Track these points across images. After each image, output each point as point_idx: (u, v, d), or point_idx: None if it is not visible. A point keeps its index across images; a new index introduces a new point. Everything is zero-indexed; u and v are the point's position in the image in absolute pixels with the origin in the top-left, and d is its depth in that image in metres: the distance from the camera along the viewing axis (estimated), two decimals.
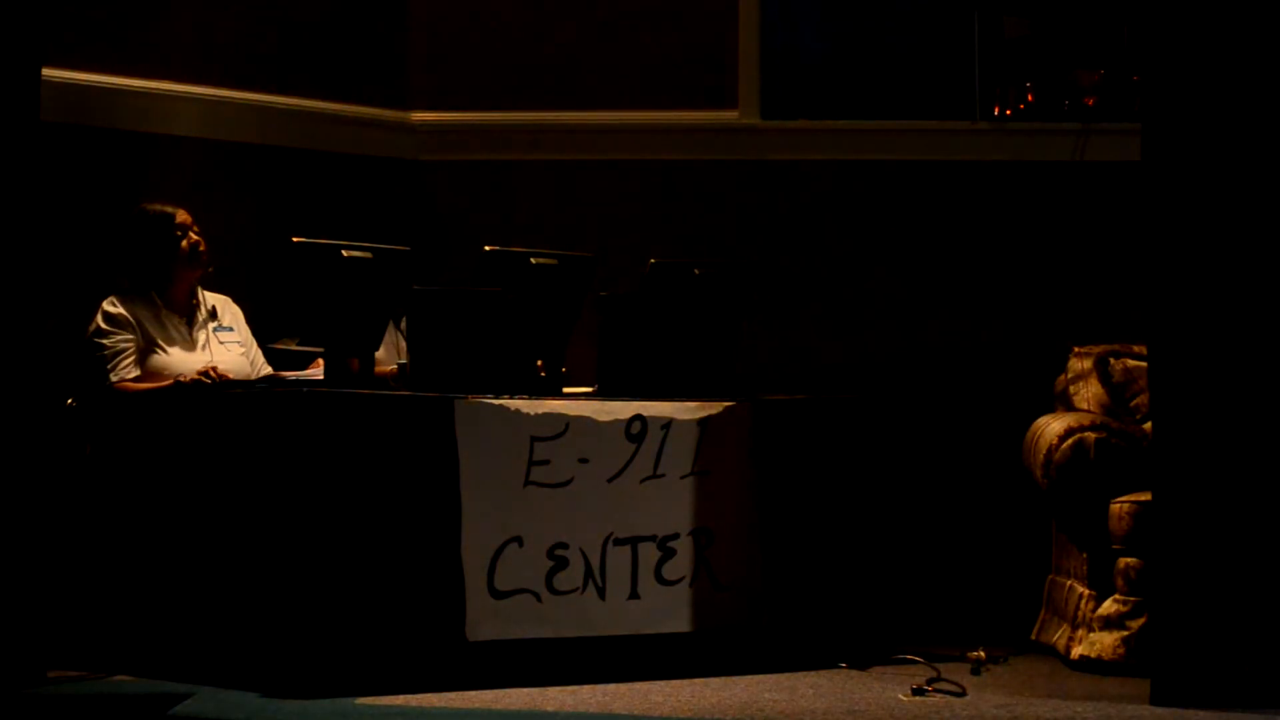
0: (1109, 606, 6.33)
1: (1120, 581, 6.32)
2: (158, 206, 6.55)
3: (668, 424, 6.11)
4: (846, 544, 6.38)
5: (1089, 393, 6.91)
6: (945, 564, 7.10)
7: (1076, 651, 6.36)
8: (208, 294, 6.63)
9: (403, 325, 6.56)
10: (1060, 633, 6.54)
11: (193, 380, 6.17)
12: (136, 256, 6.50)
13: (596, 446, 6.00)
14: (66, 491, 6.20)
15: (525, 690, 5.66)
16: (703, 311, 6.48)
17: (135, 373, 6.36)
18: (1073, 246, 7.73)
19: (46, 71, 5.90)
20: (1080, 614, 6.41)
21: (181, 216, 6.51)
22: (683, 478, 6.14)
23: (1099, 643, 6.30)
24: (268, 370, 6.62)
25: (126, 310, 6.42)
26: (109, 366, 6.34)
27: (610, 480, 6.03)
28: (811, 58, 8.06)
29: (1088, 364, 6.98)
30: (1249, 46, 5.55)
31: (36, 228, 5.73)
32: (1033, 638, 6.79)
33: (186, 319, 6.54)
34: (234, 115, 7.40)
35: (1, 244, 5.64)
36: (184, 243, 6.50)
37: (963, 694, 5.72)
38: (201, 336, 6.54)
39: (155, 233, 6.49)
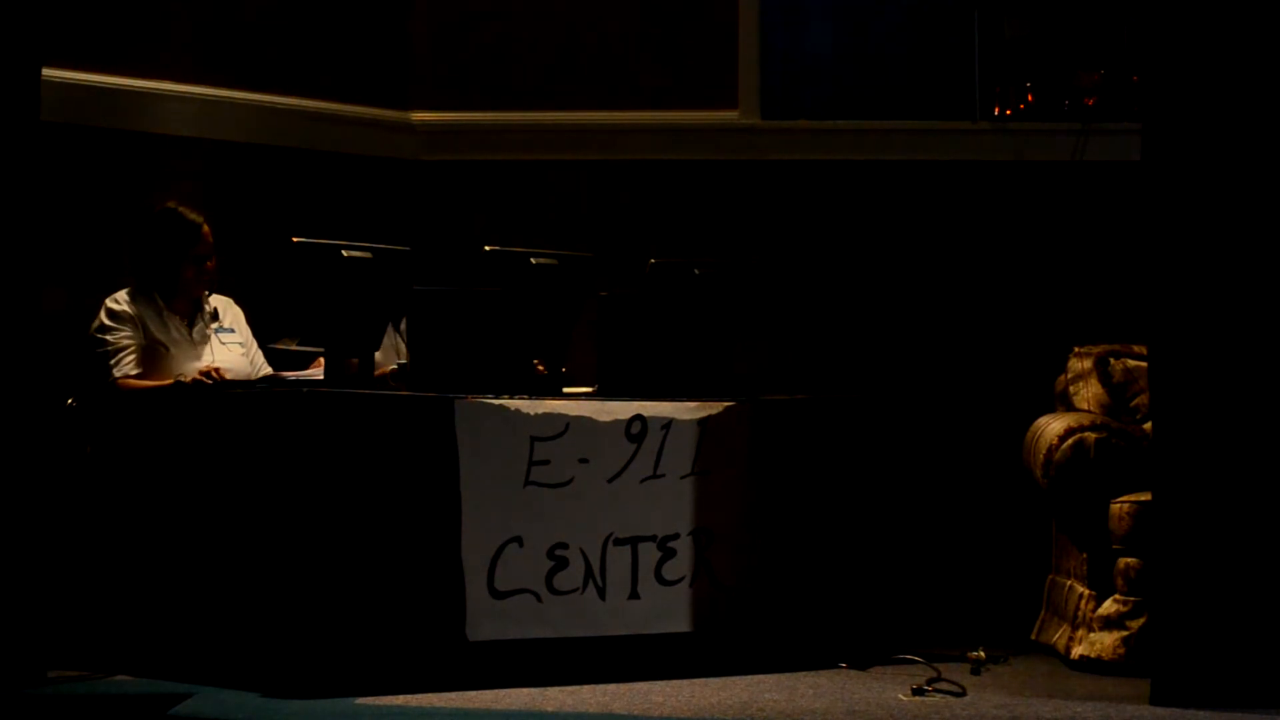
0: (1109, 606, 6.33)
1: (1120, 581, 6.32)
2: (187, 213, 6.51)
3: (668, 424, 6.11)
4: (846, 544, 6.38)
5: (1089, 393, 6.91)
6: (945, 564, 7.10)
7: (1076, 651, 6.36)
8: (210, 295, 6.62)
9: (402, 327, 6.56)
10: (1060, 633, 6.54)
11: (193, 380, 6.17)
12: (151, 254, 6.48)
13: (596, 446, 6.00)
14: (66, 491, 6.20)
15: (525, 690, 5.66)
16: (703, 311, 6.48)
17: (137, 370, 6.36)
18: (1073, 246, 7.72)
19: (46, 71, 5.90)
20: (1080, 614, 6.41)
21: (205, 232, 6.49)
22: (683, 478, 6.13)
23: (1099, 643, 6.30)
24: (268, 371, 6.62)
25: (130, 308, 6.42)
26: (111, 363, 6.34)
27: (610, 480, 6.03)
28: (811, 58, 8.06)
29: (1088, 364, 6.98)
30: (1249, 46, 5.55)
31: (36, 228, 5.73)
32: (1033, 638, 6.79)
33: (188, 320, 6.54)
34: (234, 115, 7.40)
35: (1, 244, 5.64)
36: (198, 266, 6.47)
37: (963, 694, 5.72)
38: (203, 337, 6.54)
39: (178, 240, 6.47)
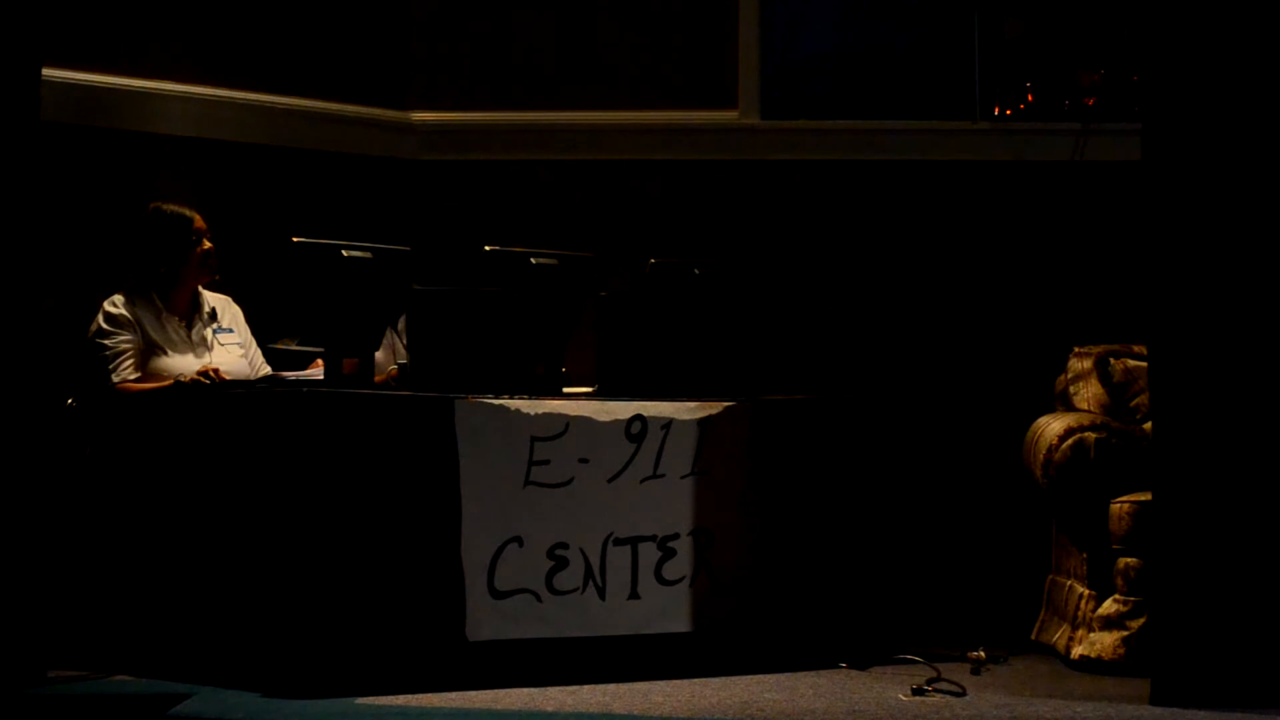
0: (1109, 606, 6.33)
1: (1120, 581, 6.33)
2: (173, 207, 6.52)
3: (668, 424, 6.11)
4: (846, 544, 6.38)
5: (1089, 393, 6.91)
6: (945, 564, 7.10)
7: (1076, 651, 6.36)
8: (208, 295, 6.63)
9: (399, 327, 6.56)
10: (1060, 633, 6.54)
11: (192, 380, 6.17)
12: (147, 256, 6.49)
13: (596, 446, 6.00)
14: (66, 491, 6.20)
15: (525, 690, 5.66)
16: (703, 311, 6.48)
17: (137, 373, 6.36)
18: (1073, 246, 7.73)
19: (46, 71, 5.90)
20: (1080, 614, 6.41)
21: (198, 222, 6.50)
22: (683, 478, 6.13)
23: (1099, 643, 6.30)
24: (267, 370, 6.62)
25: (128, 311, 6.42)
26: (110, 367, 6.34)
27: (610, 480, 6.03)
28: (811, 58, 8.06)
29: (1088, 364, 6.98)
30: (1249, 46, 5.55)
31: (36, 228, 5.73)
32: (1033, 638, 6.79)
33: (186, 321, 6.54)
34: (234, 115, 7.40)
35: (1, 244, 5.64)
36: (198, 249, 6.49)
37: (963, 694, 5.72)
38: (201, 339, 6.54)
39: (170, 234, 6.48)
